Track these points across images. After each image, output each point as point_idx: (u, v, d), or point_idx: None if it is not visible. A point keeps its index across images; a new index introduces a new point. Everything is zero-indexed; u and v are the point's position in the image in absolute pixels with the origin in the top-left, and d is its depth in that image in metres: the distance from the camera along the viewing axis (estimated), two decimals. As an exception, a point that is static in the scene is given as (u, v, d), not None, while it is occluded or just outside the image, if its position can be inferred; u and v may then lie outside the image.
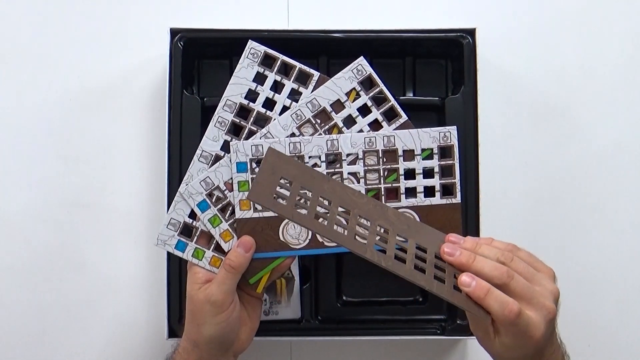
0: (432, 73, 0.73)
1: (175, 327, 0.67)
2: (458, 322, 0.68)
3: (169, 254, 0.67)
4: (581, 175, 0.75)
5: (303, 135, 0.60)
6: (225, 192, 0.60)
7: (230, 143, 0.60)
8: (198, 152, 0.60)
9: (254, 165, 0.59)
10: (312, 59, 0.72)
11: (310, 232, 0.59)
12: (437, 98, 0.70)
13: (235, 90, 0.60)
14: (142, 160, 0.74)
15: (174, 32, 0.69)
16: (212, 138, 0.60)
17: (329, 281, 0.70)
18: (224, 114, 0.60)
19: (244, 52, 0.60)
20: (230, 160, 0.59)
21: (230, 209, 0.60)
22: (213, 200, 0.60)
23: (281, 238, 0.60)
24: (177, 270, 0.68)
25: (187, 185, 0.60)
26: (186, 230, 0.61)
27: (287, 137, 0.59)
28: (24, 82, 0.75)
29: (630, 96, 0.76)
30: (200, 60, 0.72)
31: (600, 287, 0.74)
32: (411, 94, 0.73)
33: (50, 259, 0.73)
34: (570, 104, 0.76)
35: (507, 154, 0.75)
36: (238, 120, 0.60)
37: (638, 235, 0.75)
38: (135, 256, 0.73)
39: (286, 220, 0.59)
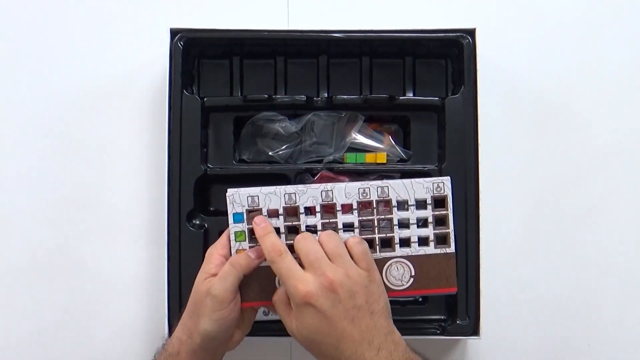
0: (432, 73, 0.73)
1: (175, 327, 0.67)
2: (458, 322, 0.68)
3: (169, 253, 0.67)
4: (581, 175, 0.75)
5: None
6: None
7: (227, 194, 0.59)
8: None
9: (250, 215, 0.59)
10: (312, 59, 0.72)
11: None
12: (437, 98, 0.70)
13: None
14: (142, 160, 0.74)
15: (174, 32, 0.69)
16: None
17: (329, 281, 0.70)
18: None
19: None
20: (232, 208, 0.59)
21: None
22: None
23: (277, 287, 0.59)
24: (177, 270, 0.68)
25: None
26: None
27: (283, 186, 0.59)
28: (24, 83, 0.75)
29: (630, 96, 0.76)
30: (200, 60, 0.72)
31: (600, 287, 0.74)
32: (411, 94, 0.72)
33: (50, 258, 0.73)
34: (571, 103, 0.76)
35: (507, 154, 0.75)
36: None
37: (638, 235, 0.75)
38: (135, 256, 0.73)
39: None
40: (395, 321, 0.70)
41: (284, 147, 0.71)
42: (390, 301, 0.71)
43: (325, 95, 0.72)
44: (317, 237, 0.57)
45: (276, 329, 0.69)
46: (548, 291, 0.74)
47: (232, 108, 0.70)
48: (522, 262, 0.74)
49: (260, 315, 0.69)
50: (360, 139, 0.71)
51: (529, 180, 0.75)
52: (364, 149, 0.72)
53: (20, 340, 0.73)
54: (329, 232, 0.58)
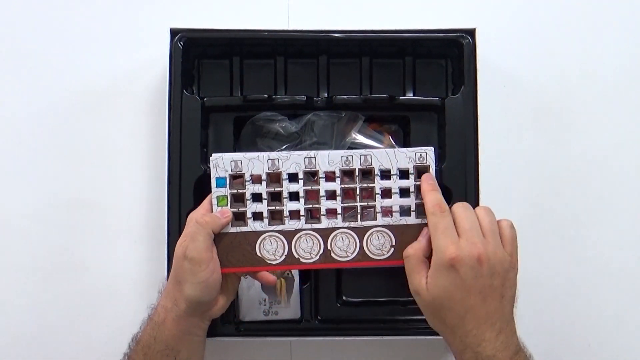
0: (432, 73, 0.73)
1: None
2: (458, 322, 0.68)
3: (169, 253, 0.67)
4: (581, 175, 0.75)
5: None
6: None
7: (210, 158, 0.60)
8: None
9: (234, 180, 0.60)
10: (312, 59, 0.72)
11: (286, 249, 0.60)
12: (437, 98, 0.70)
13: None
14: (142, 160, 0.74)
15: (174, 32, 0.69)
16: None
17: (328, 281, 0.70)
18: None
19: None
20: (215, 172, 0.60)
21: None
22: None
23: (258, 253, 0.60)
24: (177, 270, 0.68)
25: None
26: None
27: (267, 152, 0.60)
28: (24, 82, 0.75)
29: (630, 96, 0.76)
30: (200, 60, 0.72)
31: (600, 287, 0.74)
32: (411, 94, 0.73)
33: (51, 258, 0.73)
34: (570, 103, 0.76)
35: (507, 154, 0.75)
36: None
37: (638, 235, 0.75)
38: (135, 256, 0.74)
39: (263, 236, 0.60)
40: (395, 321, 0.70)
41: (284, 147, 0.71)
42: (390, 301, 0.72)
43: (325, 95, 0.72)
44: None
45: (276, 329, 0.69)
46: (548, 291, 0.74)
47: (232, 108, 0.70)
48: (521, 262, 0.74)
49: (260, 315, 0.69)
50: (360, 139, 0.71)
51: (528, 180, 0.75)
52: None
53: (20, 340, 0.73)
54: (487, 207, 0.59)
